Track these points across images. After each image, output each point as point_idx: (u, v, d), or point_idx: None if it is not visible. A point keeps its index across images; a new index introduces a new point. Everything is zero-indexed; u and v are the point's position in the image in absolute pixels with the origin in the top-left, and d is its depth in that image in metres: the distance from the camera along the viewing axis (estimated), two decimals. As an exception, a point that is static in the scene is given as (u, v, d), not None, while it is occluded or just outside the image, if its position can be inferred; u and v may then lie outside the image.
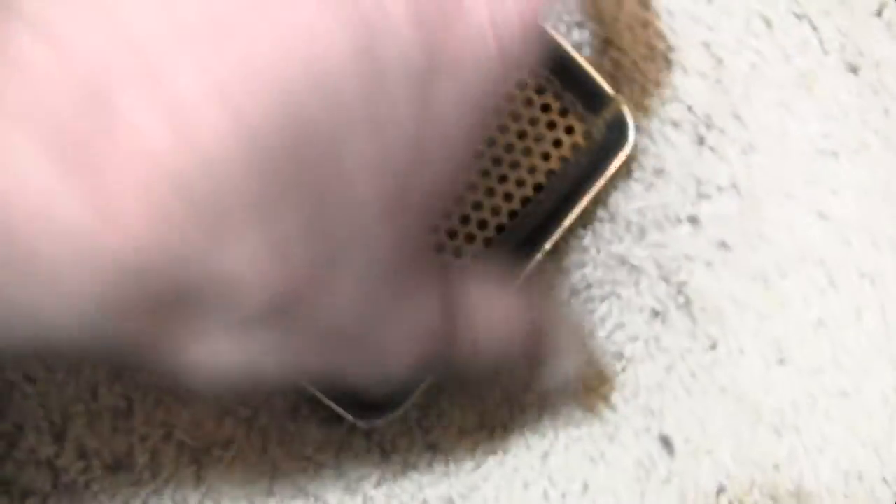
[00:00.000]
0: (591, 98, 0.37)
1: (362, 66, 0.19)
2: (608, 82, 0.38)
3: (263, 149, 0.18)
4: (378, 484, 0.36)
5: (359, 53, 0.19)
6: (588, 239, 0.38)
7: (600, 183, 0.36)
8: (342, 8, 0.19)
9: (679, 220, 0.38)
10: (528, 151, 0.36)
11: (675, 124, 0.39)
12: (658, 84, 0.39)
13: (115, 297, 0.18)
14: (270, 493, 0.36)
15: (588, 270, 0.38)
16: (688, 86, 0.39)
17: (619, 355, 0.38)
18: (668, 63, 0.39)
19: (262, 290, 0.20)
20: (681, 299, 0.38)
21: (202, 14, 0.18)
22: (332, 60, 0.19)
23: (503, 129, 0.36)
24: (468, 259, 0.34)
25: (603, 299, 0.38)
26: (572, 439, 0.38)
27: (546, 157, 0.37)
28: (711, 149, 0.39)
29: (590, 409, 0.38)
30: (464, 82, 0.21)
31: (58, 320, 0.18)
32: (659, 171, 0.38)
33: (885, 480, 0.39)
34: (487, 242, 0.36)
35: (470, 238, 0.36)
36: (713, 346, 0.38)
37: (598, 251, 0.38)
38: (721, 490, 0.38)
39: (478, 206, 0.36)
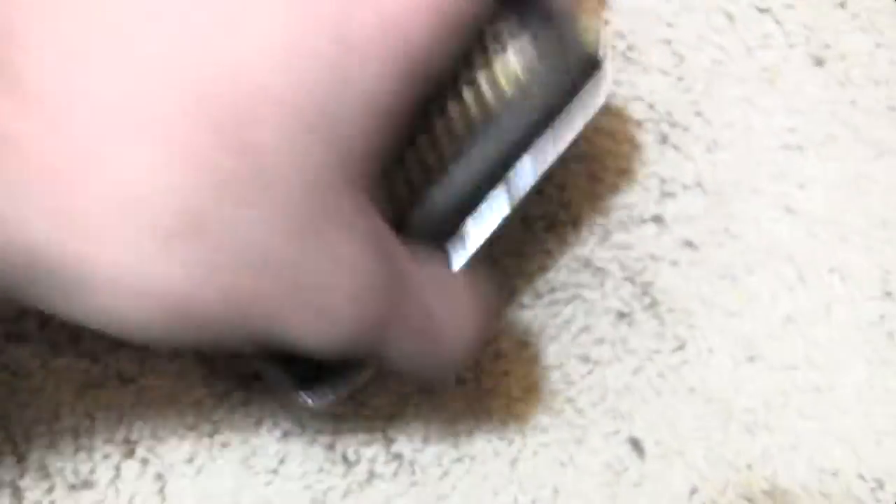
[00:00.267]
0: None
1: None
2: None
3: None
4: (345, 495, 0.36)
5: None
6: (551, 242, 0.38)
7: (572, 122, 0.30)
8: None
9: (643, 220, 0.38)
10: (472, 82, 0.29)
11: (637, 123, 0.38)
12: (618, 83, 0.38)
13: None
14: (237, 508, 0.36)
15: (551, 274, 0.38)
16: (649, 84, 0.38)
17: (586, 358, 0.38)
18: (628, 61, 0.38)
19: (174, 197, 0.20)
20: (647, 300, 0.38)
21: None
22: None
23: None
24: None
25: (567, 302, 0.38)
26: (540, 444, 0.37)
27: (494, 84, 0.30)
28: (675, 147, 0.38)
29: (557, 413, 0.37)
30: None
31: None
32: (622, 171, 0.38)
33: (861, 476, 0.38)
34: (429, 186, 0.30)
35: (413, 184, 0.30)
36: (681, 347, 0.38)
37: (562, 254, 0.38)
38: (694, 491, 0.37)
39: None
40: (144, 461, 0.36)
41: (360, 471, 0.36)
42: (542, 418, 0.37)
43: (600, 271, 0.38)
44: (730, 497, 0.38)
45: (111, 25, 0.20)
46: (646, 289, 0.38)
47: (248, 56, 0.21)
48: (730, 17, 0.39)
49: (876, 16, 0.40)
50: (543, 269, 0.38)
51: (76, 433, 0.36)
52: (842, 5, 0.40)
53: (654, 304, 0.38)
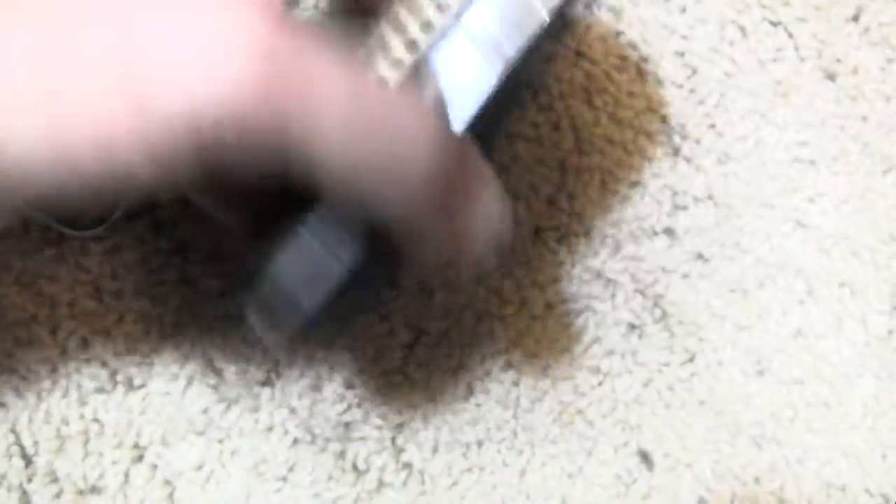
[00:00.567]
0: None
1: None
2: (581, 95, 0.38)
3: None
4: (353, 504, 0.36)
5: None
6: (563, 253, 0.38)
7: None
8: None
9: (655, 233, 0.38)
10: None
11: (650, 135, 0.38)
12: (631, 95, 0.38)
13: None
14: (245, 515, 0.36)
15: (563, 285, 0.38)
16: (662, 96, 0.38)
17: (596, 370, 0.38)
18: (642, 73, 0.38)
19: None
20: (658, 312, 0.38)
21: None
22: None
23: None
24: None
25: (579, 314, 0.38)
26: (549, 455, 0.37)
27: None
28: (687, 159, 0.38)
29: (567, 424, 0.37)
30: None
31: None
32: (634, 184, 0.38)
33: (868, 491, 0.38)
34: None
35: None
36: (691, 359, 0.38)
37: (573, 265, 0.38)
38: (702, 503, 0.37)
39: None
40: (153, 467, 0.36)
41: (370, 479, 0.36)
42: (552, 429, 0.37)
43: (611, 283, 0.38)
44: (737, 510, 0.38)
45: None
46: (657, 301, 0.38)
47: None
48: (742, 30, 0.39)
49: (888, 30, 0.40)
50: (555, 280, 0.38)
51: (85, 438, 0.36)
52: (854, 19, 0.40)
53: (664, 316, 0.38)
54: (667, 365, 0.38)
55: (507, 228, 0.28)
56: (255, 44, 0.22)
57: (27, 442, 0.35)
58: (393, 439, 0.37)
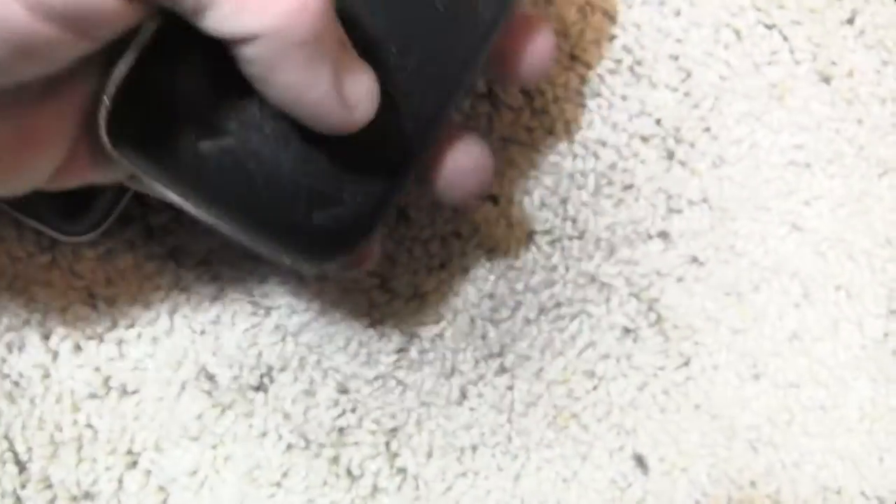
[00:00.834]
0: None
1: None
2: (575, 98, 0.38)
3: None
4: (347, 509, 0.36)
5: None
6: (556, 257, 0.38)
7: None
8: None
9: (649, 236, 0.38)
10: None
11: (644, 139, 0.38)
12: (625, 98, 0.38)
13: None
14: (239, 521, 0.36)
15: (557, 289, 0.38)
16: (656, 99, 0.38)
17: (591, 374, 0.38)
18: (636, 77, 0.38)
19: None
20: (652, 316, 0.38)
21: None
22: None
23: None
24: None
25: (573, 318, 0.38)
26: (544, 460, 0.37)
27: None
28: (681, 163, 0.38)
29: (561, 428, 0.37)
30: None
31: None
32: (628, 187, 0.38)
33: (864, 494, 0.38)
34: None
35: None
36: (686, 363, 0.38)
37: (567, 269, 0.38)
38: (697, 508, 0.37)
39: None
40: (147, 473, 0.36)
41: (364, 485, 0.36)
42: (547, 433, 0.37)
43: (606, 287, 0.38)
44: (733, 514, 0.38)
45: None
46: (651, 305, 0.38)
47: None
48: (737, 33, 0.39)
49: (883, 33, 0.40)
50: (549, 284, 0.38)
51: (78, 444, 0.36)
52: (849, 22, 0.40)
53: (659, 320, 0.38)
54: (662, 369, 0.38)
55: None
56: None
57: (21, 448, 0.35)
58: (387, 444, 0.37)
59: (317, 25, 0.23)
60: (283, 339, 0.36)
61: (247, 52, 0.24)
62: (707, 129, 0.39)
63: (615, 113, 0.38)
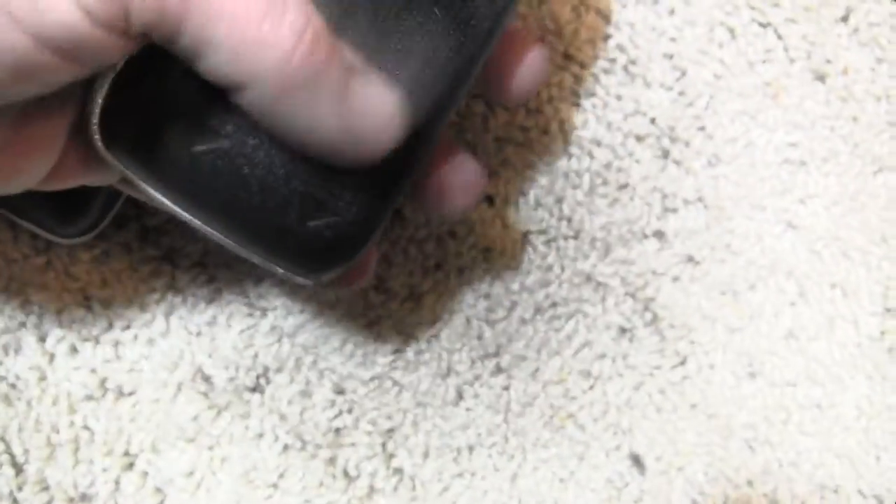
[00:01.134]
0: None
1: None
2: (570, 98, 0.38)
3: None
4: (344, 510, 0.36)
5: None
6: (552, 256, 0.38)
7: None
8: None
9: (645, 236, 0.38)
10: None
11: (639, 138, 0.38)
12: (620, 97, 0.38)
13: None
14: (236, 522, 0.36)
15: (553, 289, 0.38)
16: (651, 98, 0.38)
17: (587, 373, 0.37)
18: (630, 76, 0.38)
19: None
20: (648, 315, 0.38)
21: None
22: None
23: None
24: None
25: (569, 317, 0.38)
26: (541, 460, 0.37)
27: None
28: (676, 162, 0.38)
29: (558, 428, 0.37)
30: None
31: None
32: (623, 186, 0.38)
33: (861, 493, 0.38)
34: None
35: None
36: (682, 362, 0.38)
37: (563, 269, 0.38)
38: (694, 507, 0.37)
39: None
40: (144, 474, 0.36)
41: (361, 486, 0.36)
42: (543, 433, 0.37)
43: (602, 286, 0.38)
44: (730, 513, 0.38)
45: None
46: (647, 304, 0.38)
47: None
48: (732, 32, 0.39)
49: (877, 30, 0.40)
50: (544, 284, 0.38)
51: (75, 446, 0.36)
52: (843, 20, 0.40)
53: (655, 319, 0.38)
54: (658, 368, 0.38)
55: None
56: None
57: (17, 450, 0.35)
58: (383, 445, 0.37)
59: (316, 65, 0.23)
60: (279, 341, 0.37)
61: (245, 98, 0.24)
62: (702, 128, 0.39)
63: (610, 112, 0.38)
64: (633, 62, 0.38)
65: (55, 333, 0.36)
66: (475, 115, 0.37)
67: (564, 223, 0.38)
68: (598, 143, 0.38)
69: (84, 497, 0.35)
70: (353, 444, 0.36)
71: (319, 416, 0.36)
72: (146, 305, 0.36)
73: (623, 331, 0.38)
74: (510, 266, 0.38)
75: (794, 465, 0.38)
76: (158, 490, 0.36)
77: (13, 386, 0.36)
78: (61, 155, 0.26)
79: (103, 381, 0.36)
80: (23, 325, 0.36)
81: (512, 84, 0.30)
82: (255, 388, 0.36)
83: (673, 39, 0.39)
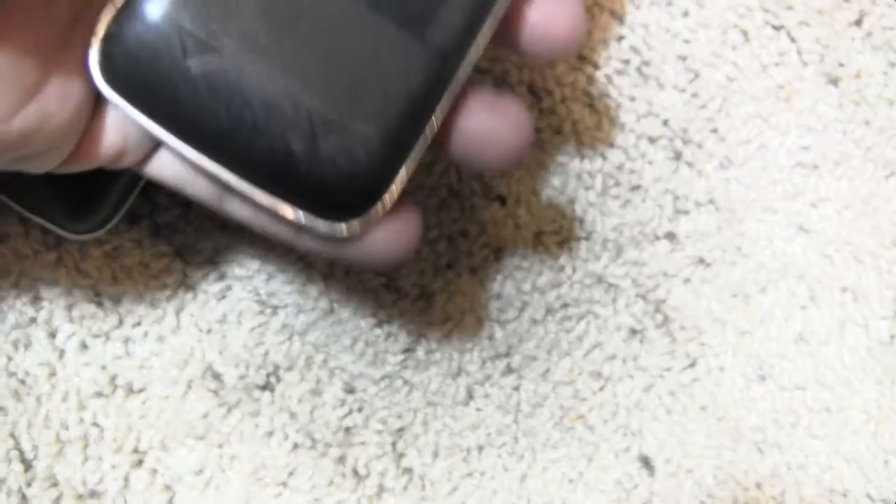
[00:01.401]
0: None
1: None
2: (583, 99, 0.38)
3: None
4: (353, 509, 0.36)
5: None
6: (563, 257, 0.38)
7: None
8: None
9: (656, 237, 0.38)
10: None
11: (651, 140, 0.38)
12: (633, 99, 0.38)
13: None
14: (244, 520, 0.36)
15: (564, 289, 0.38)
16: (663, 100, 0.38)
17: (597, 375, 0.37)
18: (644, 77, 0.38)
19: None
20: (659, 317, 0.38)
21: None
22: None
23: None
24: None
25: (580, 318, 0.38)
26: (550, 461, 0.37)
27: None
28: (688, 164, 0.38)
29: (567, 429, 0.37)
30: None
31: None
32: (635, 188, 0.38)
33: (869, 497, 0.38)
34: None
35: None
36: (692, 364, 0.38)
37: (574, 270, 0.38)
38: (703, 510, 0.37)
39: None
40: (153, 472, 0.36)
41: (371, 485, 0.36)
42: (553, 434, 0.37)
43: (613, 288, 0.38)
44: (738, 515, 0.38)
45: None
46: (658, 306, 0.38)
47: None
48: (745, 34, 0.39)
49: (890, 34, 0.40)
50: (556, 284, 0.37)
51: (84, 442, 0.36)
52: (857, 23, 0.40)
53: (666, 321, 0.38)
54: (668, 370, 0.38)
55: None
56: None
57: (27, 446, 0.35)
58: (393, 444, 0.37)
59: None
60: (290, 339, 0.36)
61: None
62: (714, 131, 0.39)
63: (623, 113, 0.38)
64: (646, 64, 0.38)
65: (65, 329, 0.36)
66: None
67: (576, 224, 0.38)
68: (611, 145, 0.38)
69: (93, 494, 0.35)
70: (362, 443, 0.36)
71: (329, 415, 0.36)
72: (157, 302, 0.36)
73: (634, 332, 0.38)
74: (521, 266, 0.37)
75: (802, 468, 0.38)
76: (167, 487, 0.36)
77: (23, 382, 0.36)
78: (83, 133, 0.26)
79: (113, 378, 0.36)
80: (33, 320, 0.36)
81: (521, 28, 0.26)
82: (266, 387, 0.36)
83: (686, 41, 0.39)
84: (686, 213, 0.38)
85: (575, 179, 0.38)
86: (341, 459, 0.36)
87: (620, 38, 0.38)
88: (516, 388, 0.37)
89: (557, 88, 0.38)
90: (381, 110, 0.25)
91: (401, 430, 0.37)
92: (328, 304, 0.37)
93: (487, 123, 0.27)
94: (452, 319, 0.37)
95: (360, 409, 0.37)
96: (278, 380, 0.36)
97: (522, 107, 0.27)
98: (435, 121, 0.26)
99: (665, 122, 0.38)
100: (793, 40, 0.39)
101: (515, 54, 0.27)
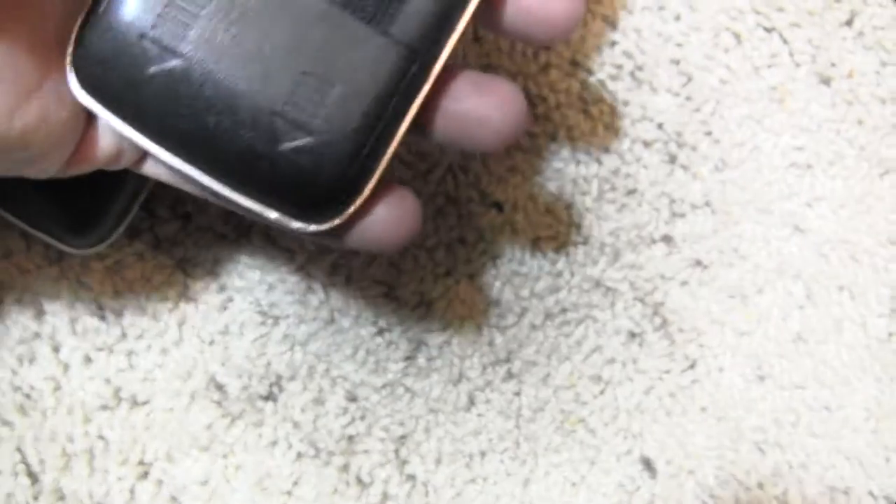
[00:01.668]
0: None
1: None
2: (577, 104, 0.38)
3: None
4: (358, 516, 0.36)
5: None
6: (561, 263, 0.38)
7: None
8: None
9: (653, 240, 0.38)
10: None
11: (646, 143, 0.38)
12: (627, 103, 0.38)
13: None
14: (250, 529, 0.36)
15: (562, 294, 0.38)
16: (657, 104, 0.39)
17: (597, 378, 0.38)
18: (637, 82, 0.39)
19: None
20: (657, 320, 0.38)
21: None
22: None
23: None
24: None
25: (579, 323, 0.38)
26: (552, 465, 0.37)
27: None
28: (683, 167, 0.39)
29: (569, 433, 0.37)
30: None
31: None
32: (631, 192, 0.38)
33: (871, 494, 0.38)
34: None
35: None
36: (692, 366, 0.38)
37: (572, 274, 0.38)
38: (705, 510, 0.38)
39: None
40: (159, 483, 0.36)
41: (374, 492, 0.36)
42: (554, 438, 0.37)
43: (611, 292, 0.38)
44: (741, 515, 0.38)
45: None
46: (656, 309, 0.38)
47: None
48: (737, 37, 0.39)
49: (882, 34, 0.40)
50: (554, 289, 0.38)
51: (90, 455, 0.36)
52: (848, 24, 0.40)
53: (664, 323, 0.38)
54: (667, 372, 0.38)
55: None
56: None
57: (33, 460, 0.36)
58: (396, 451, 0.37)
59: None
60: (292, 349, 0.37)
61: None
62: (708, 133, 0.39)
63: (617, 118, 0.38)
64: (639, 68, 0.39)
65: (69, 343, 0.36)
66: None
67: (573, 229, 0.38)
68: (606, 149, 0.38)
69: (99, 506, 0.36)
70: (366, 451, 0.37)
71: (332, 424, 0.37)
72: (159, 314, 0.37)
73: (632, 335, 0.38)
74: (520, 272, 0.38)
75: (804, 467, 0.38)
76: (173, 499, 0.36)
77: (28, 396, 0.36)
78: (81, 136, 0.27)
79: (117, 391, 0.36)
80: (37, 335, 0.36)
81: (514, 11, 0.26)
82: (269, 397, 0.37)
83: (679, 45, 0.39)
84: (682, 215, 0.38)
85: (571, 185, 0.38)
86: (345, 468, 0.36)
87: (613, 44, 0.39)
88: (517, 394, 0.37)
89: (552, 95, 0.38)
90: (346, 110, 0.25)
91: (403, 437, 0.37)
92: (329, 314, 0.37)
93: (476, 103, 0.26)
94: (452, 326, 0.37)
95: (362, 418, 0.37)
96: (281, 390, 0.37)
97: (514, 85, 0.27)
98: (407, 117, 0.26)
99: (659, 126, 0.39)
100: (785, 41, 0.40)
101: (506, 37, 0.27)
